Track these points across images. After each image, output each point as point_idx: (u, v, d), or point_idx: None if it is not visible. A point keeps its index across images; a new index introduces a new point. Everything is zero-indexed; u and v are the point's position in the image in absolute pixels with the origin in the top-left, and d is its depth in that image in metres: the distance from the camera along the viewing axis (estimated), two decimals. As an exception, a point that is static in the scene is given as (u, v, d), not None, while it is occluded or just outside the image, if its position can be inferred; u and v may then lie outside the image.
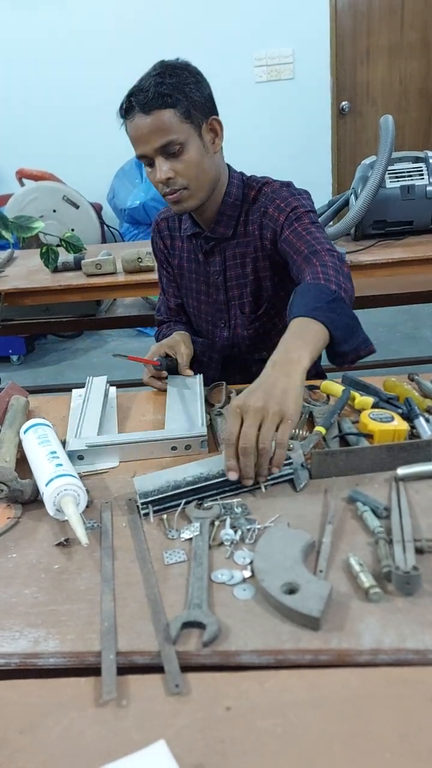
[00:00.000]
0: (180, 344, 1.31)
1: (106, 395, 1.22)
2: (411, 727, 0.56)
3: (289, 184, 1.31)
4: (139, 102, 1.12)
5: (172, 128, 1.13)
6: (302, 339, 0.95)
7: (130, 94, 1.13)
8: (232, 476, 0.86)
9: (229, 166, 1.31)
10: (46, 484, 0.86)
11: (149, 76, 1.14)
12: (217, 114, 1.21)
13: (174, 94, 1.12)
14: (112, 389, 1.28)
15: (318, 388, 1.19)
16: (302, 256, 1.16)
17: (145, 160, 1.18)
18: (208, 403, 1.18)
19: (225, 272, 1.36)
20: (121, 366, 3.54)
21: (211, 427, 1.09)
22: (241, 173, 1.33)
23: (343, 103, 4.12)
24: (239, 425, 0.85)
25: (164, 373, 1.29)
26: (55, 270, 2.27)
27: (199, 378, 1.24)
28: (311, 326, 0.96)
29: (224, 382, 1.23)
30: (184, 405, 1.15)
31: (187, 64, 1.17)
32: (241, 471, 0.86)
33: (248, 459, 0.85)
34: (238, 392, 1.18)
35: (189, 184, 1.18)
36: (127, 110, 1.15)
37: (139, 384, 1.38)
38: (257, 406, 0.84)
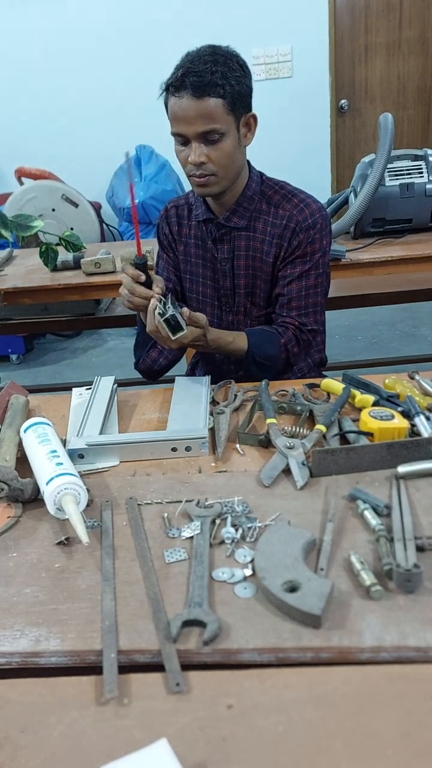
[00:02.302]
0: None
1: (112, 396, 1.22)
2: (412, 724, 0.56)
3: (323, 213, 1.34)
4: (192, 84, 1.14)
5: (218, 117, 1.18)
6: (225, 350, 1.28)
7: (184, 74, 1.15)
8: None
9: (248, 161, 1.34)
10: (47, 483, 0.86)
11: (203, 60, 1.16)
12: (252, 109, 1.26)
13: (226, 85, 1.16)
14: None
15: (318, 386, 1.19)
16: (287, 311, 1.35)
17: (180, 138, 1.21)
18: (215, 402, 1.17)
19: (233, 261, 1.39)
20: (122, 364, 3.53)
21: (213, 427, 1.09)
22: (260, 172, 1.38)
23: (342, 101, 4.11)
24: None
25: (142, 276, 1.14)
26: (55, 269, 2.26)
27: (207, 379, 1.23)
28: (239, 353, 1.29)
29: (232, 381, 1.23)
30: (189, 405, 1.14)
31: (237, 55, 1.21)
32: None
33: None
34: (246, 391, 1.19)
35: (218, 171, 1.23)
36: (177, 87, 1.16)
37: (142, 382, 1.38)
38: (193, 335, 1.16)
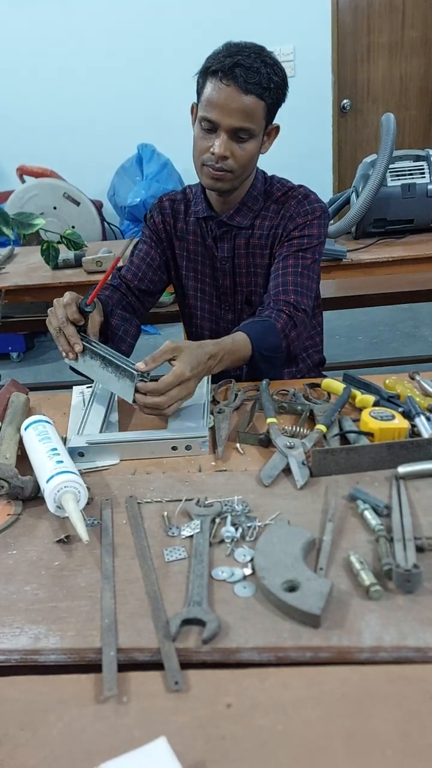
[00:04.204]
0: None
1: (113, 394, 1.22)
2: (411, 724, 0.56)
3: (321, 205, 1.35)
4: (242, 77, 1.13)
5: (255, 118, 1.18)
6: (233, 356, 1.13)
7: (235, 64, 1.13)
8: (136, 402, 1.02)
9: None
10: (47, 481, 0.86)
11: (251, 56, 1.14)
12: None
13: (272, 91, 1.17)
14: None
15: (319, 386, 1.19)
16: (282, 286, 1.28)
17: (209, 124, 1.19)
18: (215, 401, 1.17)
19: (234, 259, 1.38)
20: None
21: (213, 426, 1.09)
22: (263, 171, 1.37)
23: (344, 101, 4.11)
24: (174, 386, 1.00)
25: (81, 321, 1.12)
26: (56, 267, 2.26)
27: (207, 378, 1.23)
28: (246, 354, 1.15)
29: (233, 380, 1.23)
30: (189, 404, 1.14)
31: (281, 65, 1.21)
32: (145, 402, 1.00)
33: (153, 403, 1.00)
34: (246, 391, 1.19)
35: (236, 170, 1.23)
36: (225, 74, 1.14)
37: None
38: (190, 389, 1.02)
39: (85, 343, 1.11)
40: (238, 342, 1.15)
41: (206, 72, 1.17)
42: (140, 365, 1.01)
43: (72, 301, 1.11)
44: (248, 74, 1.13)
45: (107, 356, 1.09)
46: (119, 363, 1.06)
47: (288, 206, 1.32)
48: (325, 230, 1.35)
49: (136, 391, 1.02)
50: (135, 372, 1.02)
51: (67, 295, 1.12)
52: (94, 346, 1.11)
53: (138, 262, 1.44)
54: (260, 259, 1.37)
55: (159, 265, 1.45)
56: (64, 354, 1.13)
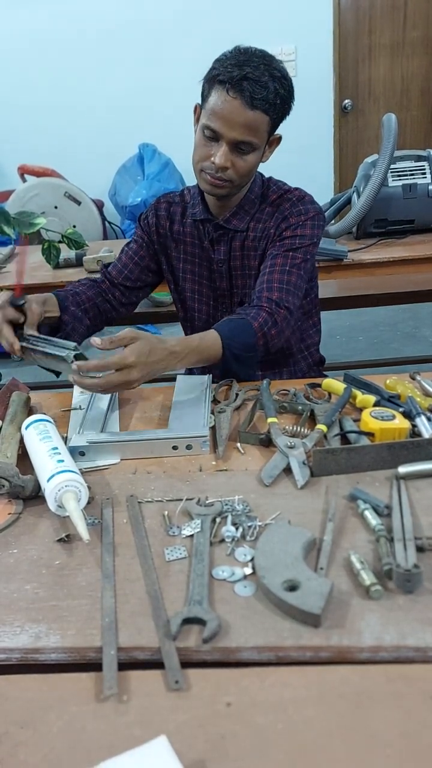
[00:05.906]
0: (33, 302, 1.23)
1: (114, 393, 1.22)
2: (411, 724, 0.56)
3: (316, 207, 1.35)
4: (249, 91, 1.12)
5: (258, 132, 1.18)
6: (199, 356, 1.13)
7: (243, 77, 1.11)
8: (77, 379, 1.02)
9: None
10: (48, 480, 0.86)
11: (259, 68, 1.13)
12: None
13: (278, 107, 1.17)
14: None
15: (320, 386, 1.19)
16: (267, 284, 1.26)
17: (212, 133, 1.18)
18: (216, 400, 1.17)
19: (229, 262, 1.38)
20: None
21: (214, 426, 1.09)
22: (261, 174, 1.37)
23: (346, 101, 4.11)
24: (117, 370, 1.00)
25: (21, 319, 1.16)
26: (57, 266, 2.26)
27: (208, 378, 1.23)
28: (215, 353, 1.14)
29: (233, 380, 1.23)
30: (190, 404, 1.14)
31: (289, 76, 1.20)
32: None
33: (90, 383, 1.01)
34: (247, 390, 1.18)
35: (235, 180, 1.23)
36: (232, 86, 1.12)
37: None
38: (132, 378, 1.00)
39: (24, 344, 1.15)
40: (206, 340, 1.14)
41: (213, 79, 1.16)
42: (96, 340, 1.01)
43: (4, 303, 1.14)
44: (255, 89, 1.12)
45: (41, 349, 1.13)
46: (51, 351, 1.10)
47: (282, 208, 1.32)
48: (319, 232, 1.34)
49: (75, 371, 1.02)
50: (65, 353, 1.06)
51: None
52: (32, 344, 1.15)
53: (126, 260, 1.46)
54: (253, 261, 1.37)
55: (147, 264, 1.46)
56: (11, 354, 1.17)
